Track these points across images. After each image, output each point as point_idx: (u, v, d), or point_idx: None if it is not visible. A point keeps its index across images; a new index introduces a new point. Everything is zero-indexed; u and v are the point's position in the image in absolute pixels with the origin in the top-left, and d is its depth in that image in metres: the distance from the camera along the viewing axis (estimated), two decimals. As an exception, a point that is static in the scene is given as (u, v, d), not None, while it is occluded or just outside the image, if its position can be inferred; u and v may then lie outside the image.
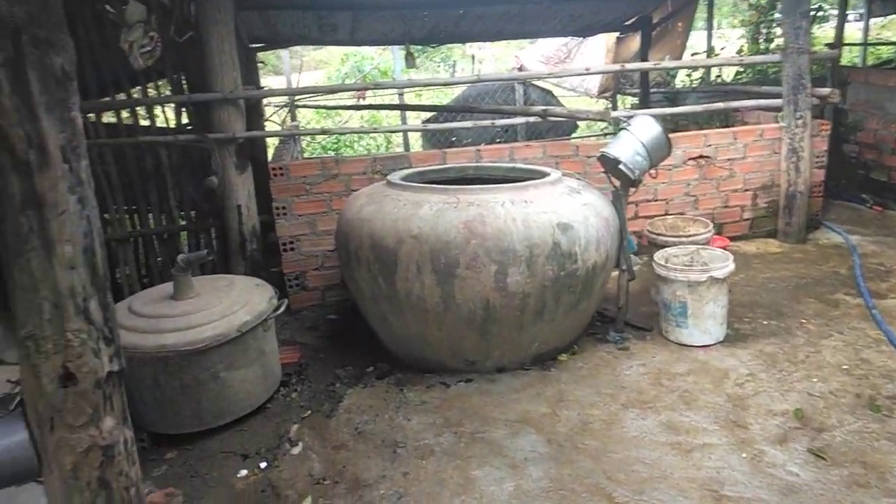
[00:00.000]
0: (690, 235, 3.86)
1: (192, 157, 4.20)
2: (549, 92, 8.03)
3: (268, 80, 9.84)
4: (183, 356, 2.69)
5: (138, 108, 4.18)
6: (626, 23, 6.94)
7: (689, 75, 8.19)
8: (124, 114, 4.17)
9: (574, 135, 8.41)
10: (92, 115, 4.09)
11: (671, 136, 3.47)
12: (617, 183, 3.49)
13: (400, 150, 8.50)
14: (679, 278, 3.35)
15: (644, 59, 6.68)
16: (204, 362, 2.75)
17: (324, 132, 5.43)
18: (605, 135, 9.03)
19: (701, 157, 4.80)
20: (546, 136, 8.14)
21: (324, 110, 8.54)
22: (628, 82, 7.96)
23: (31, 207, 1.32)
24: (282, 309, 3.11)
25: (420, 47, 7.52)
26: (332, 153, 8.78)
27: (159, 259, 4.31)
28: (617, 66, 4.46)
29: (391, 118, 9.84)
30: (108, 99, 4.08)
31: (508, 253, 2.91)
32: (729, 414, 2.84)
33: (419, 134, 8.20)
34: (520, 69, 7.73)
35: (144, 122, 4.33)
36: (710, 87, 7.09)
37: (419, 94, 10.42)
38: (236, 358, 2.85)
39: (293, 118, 7.20)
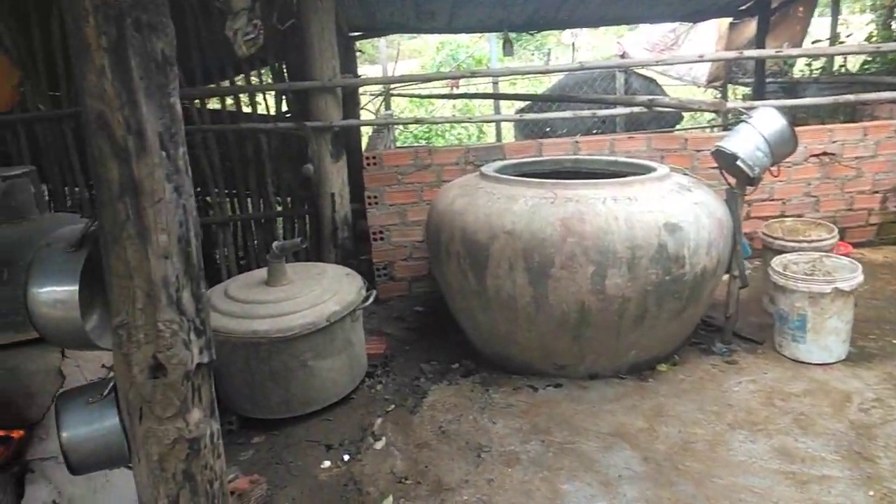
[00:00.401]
0: (812, 241, 3.49)
1: (291, 144, 4.26)
2: (652, 80, 7.62)
3: (364, 70, 9.95)
4: (273, 343, 2.71)
5: (241, 96, 4.27)
6: (742, 7, 6.43)
7: (808, 65, 7.53)
8: (228, 101, 4.29)
9: (678, 127, 7.94)
10: (197, 102, 4.23)
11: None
12: (732, 181, 3.20)
13: (492, 140, 8.37)
14: (799, 288, 3.03)
15: (761, 47, 6.17)
16: (293, 350, 2.75)
17: (417, 122, 5.39)
18: (713, 127, 8.48)
19: (825, 154, 4.35)
20: (647, 127, 7.75)
21: (417, 99, 8.52)
22: (741, 71, 7.41)
23: (128, 194, 1.30)
24: (370, 300, 3.07)
25: (515, 35, 7.33)
26: (423, 142, 8.77)
27: (256, 243, 4.41)
28: (733, 54, 4.10)
29: (483, 107, 9.71)
30: (212, 86, 4.20)
31: (608, 254, 2.72)
32: (852, 444, 2.53)
33: (512, 124, 8.02)
34: (622, 57, 7.37)
35: (247, 110, 4.44)
36: (832, 78, 6.46)
37: (513, 83, 10.20)
38: (324, 347, 2.84)
39: (387, 107, 7.21)
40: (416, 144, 8.01)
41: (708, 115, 9.32)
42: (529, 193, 2.95)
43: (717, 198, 3.13)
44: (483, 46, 9.66)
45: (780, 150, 3.08)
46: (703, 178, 4.20)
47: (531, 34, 6.54)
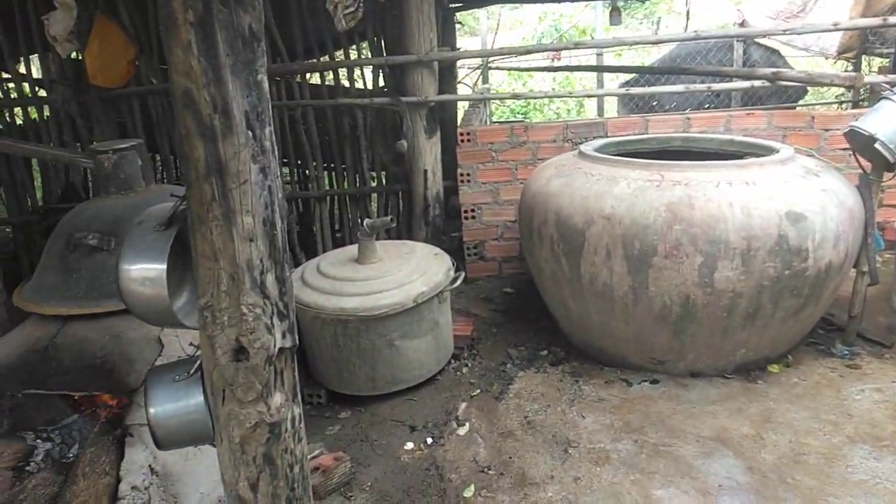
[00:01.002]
0: (962, 236, 3.06)
1: (386, 119, 4.23)
2: (775, 52, 6.96)
3: (463, 42, 9.78)
4: (361, 321, 2.70)
5: (339, 70, 4.28)
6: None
7: (966, 30, 6.58)
8: (328, 75, 4.31)
9: (801, 103, 7.25)
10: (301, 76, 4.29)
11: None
12: (867, 166, 2.84)
13: (593, 116, 8.00)
14: (944, 290, 2.66)
15: (907, 12, 5.45)
16: (380, 329, 2.74)
17: (514, 97, 5.20)
18: (842, 103, 7.67)
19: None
20: (767, 102, 7.12)
21: (516, 73, 8.29)
22: (878, 40, 6.61)
23: (214, 175, 1.27)
24: (458, 282, 3.00)
25: (624, 2, 6.89)
26: (520, 117, 8.53)
27: (350, 218, 4.45)
28: (875, 21, 3.61)
29: (585, 81, 9.28)
30: (312, 61, 4.23)
31: (719, 244, 2.49)
32: None
33: (615, 99, 7.62)
34: (741, 25, 6.77)
35: (346, 84, 4.45)
36: None
37: (619, 55, 9.68)
38: (411, 328, 2.80)
39: (485, 80, 7.05)
40: (512, 120, 7.81)
41: (837, 90, 8.44)
42: (633, 175, 2.75)
43: (848, 184, 2.79)
44: (588, 16, 9.21)
45: (932, 129, 2.69)
46: (832, 160, 3.79)
47: (641, 1, 6.12)
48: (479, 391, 2.91)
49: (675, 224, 2.53)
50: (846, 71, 7.84)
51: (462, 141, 4.04)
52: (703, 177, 2.63)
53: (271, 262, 1.39)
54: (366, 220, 2.96)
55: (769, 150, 3.09)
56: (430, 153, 4.07)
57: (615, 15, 5.83)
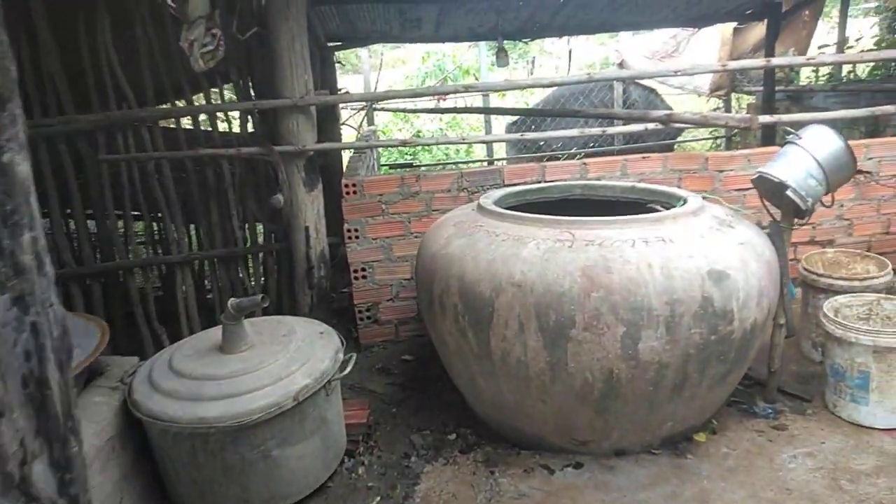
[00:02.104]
0: (864, 279, 3.01)
1: (258, 171, 3.72)
2: (652, 90, 7.16)
3: (346, 80, 9.44)
4: (226, 432, 2.16)
5: (201, 116, 3.73)
6: (749, 11, 6.01)
7: (815, 71, 7.12)
8: (187, 121, 3.75)
9: (678, 140, 7.50)
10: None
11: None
12: (776, 213, 2.72)
13: (483, 156, 7.85)
14: (862, 341, 2.54)
15: (770, 53, 5.73)
16: (252, 439, 2.21)
17: (403, 144, 4.87)
18: (716, 139, 8.04)
19: (859, 172, 3.87)
20: (648, 138, 7.29)
21: (402, 113, 8.02)
22: (745, 79, 6.99)
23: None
24: (349, 367, 2.53)
25: (511, 42, 6.85)
26: (409, 158, 8.23)
27: (220, 284, 3.86)
28: (760, 62, 3.62)
29: (472, 121, 9.17)
30: (165, 107, 3.65)
31: (642, 311, 2.21)
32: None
33: (503, 143, 7.52)
34: (620, 65, 6.92)
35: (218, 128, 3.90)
36: (843, 86, 6.02)
37: (503, 96, 9.72)
38: (292, 432, 2.29)
39: (370, 122, 6.69)
40: (400, 163, 7.45)
41: (706, 129, 8.91)
42: (541, 234, 2.44)
43: (760, 233, 2.64)
44: (471, 56, 9.17)
45: (837, 176, 2.60)
46: (729, 202, 3.72)
47: (525, 42, 6.07)
48: (378, 498, 2.43)
49: (592, 291, 2.22)
50: (717, 109, 8.28)
51: (347, 193, 3.61)
52: (617, 235, 2.37)
53: (42, 443, 0.88)
54: (230, 301, 2.43)
55: (673, 198, 2.93)
56: (311, 208, 3.59)
57: (502, 56, 5.70)
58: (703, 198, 2.81)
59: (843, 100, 6.05)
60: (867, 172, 3.91)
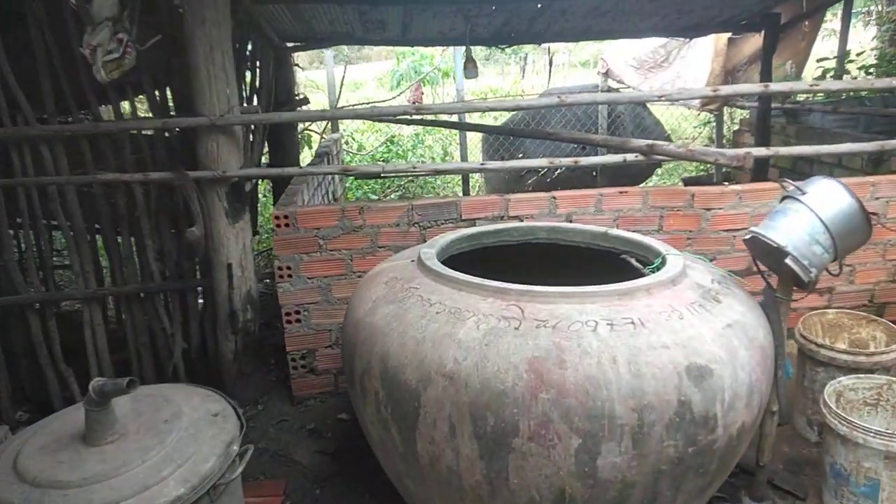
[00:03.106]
0: (871, 353, 2.56)
1: (178, 195, 3.22)
2: (639, 101, 6.69)
3: (315, 74, 8.89)
4: (64, 568, 1.68)
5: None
6: (744, 22, 5.55)
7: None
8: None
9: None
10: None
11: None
12: (772, 280, 2.27)
13: (457, 161, 7.32)
14: (871, 444, 2.10)
15: (767, 68, 5.28)
16: (100, 575, 1.73)
17: (344, 173, 4.28)
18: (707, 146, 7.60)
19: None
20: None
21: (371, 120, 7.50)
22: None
23: None
24: (245, 460, 2.05)
25: (489, 49, 6.35)
26: (382, 163, 7.70)
27: (136, 325, 3.36)
28: (756, 88, 3.15)
29: (448, 133, 8.63)
30: (64, 123, 3.13)
31: (601, 419, 1.74)
32: None
33: (479, 146, 7.04)
34: (605, 74, 6.46)
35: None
36: (844, 106, 5.56)
37: (483, 97, 9.23)
38: (158, 559, 1.81)
39: (335, 129, 6.17)
40: (358, 201, 6.83)
41: (700, 141, 8.46)
42: (483, 307, 1.97)
43: (753, 306, 2.18)
44: (451, 57, 8.66)
45: (847, 241, 2.15)
46: (713, 244, 3.27)
47: (501, 49, 5.62)
48: None
49: (541, 391, 1.76)
50: (708, 123, 7.85)
51: (279, 226, 3.12)
52: (576, 313, 1.90)
53: None
54: (92, 384, 1.94)
55: (649, 252, 2.48)
56: (235, 242, 3.11)
57: (470, 67, 5.21)
58: (693, 258, 2.35)
59: (841, 119, 5.63)
60: (873, 214, 3.46)
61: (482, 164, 3.27)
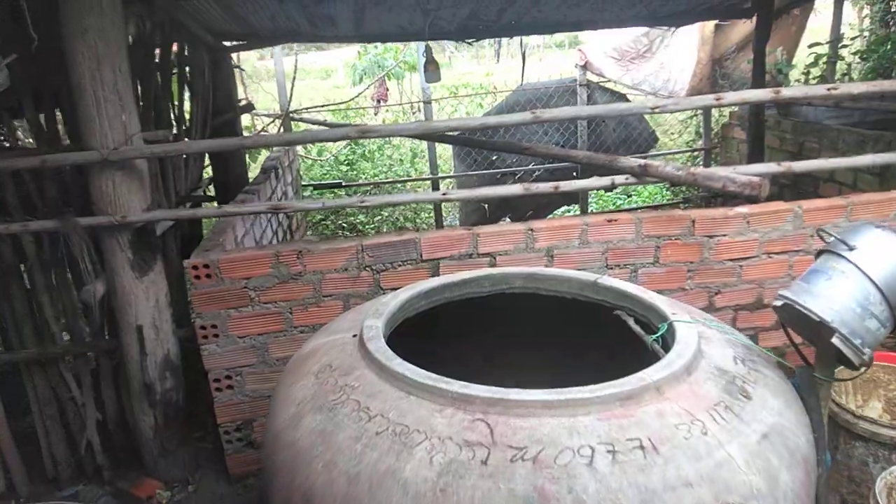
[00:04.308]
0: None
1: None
2: (622, 96, 6.20)
3: (257, 64, 8.21)
4: None
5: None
6: (735, 6, 5.06)
7: (805, 73, 6.23)
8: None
9: (653, 152, 6.56)
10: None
11: None
12: (809, 353, 1.79)
13: (426, 166, 6.73)
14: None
15: (761, 55, 4.80)
16: None
17: (275, 210, 3.60)
18: (693, 151, 7.09)
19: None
20: (616, 151, 6.34)
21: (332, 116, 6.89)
22: (728, 83, 6.07)
23: None
24: None
25: (456, 43, 5.77)
26: (345, 170, 7.10)
27: (40, 395, 2.80)
28: (766, 94, 2.65)
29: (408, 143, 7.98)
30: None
31: None
32: None
33: (451, 150, 6.49)
34: (584, 66, 5.94)
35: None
36: (845, 99, 5.11)
37: (453, 91, 8.64)
38: None
39: (286, 128, 5.53)
40: (328, 182, 6.23)
41: (685, 136, 8.00)
42: (440, 425, 1.46)
43: (787, 393, 1.69)
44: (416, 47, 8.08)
45: (909, 310, 1.66)
46: (717, 276, 2.80)
47: (469, 43, 5.06)
48: None
49: (519, 564, 1.26)
50: (695, 115, 7.38)
51: (198, 277, 2.57)
52: (564, 434, 1.40)
53: None
54: None
55: (650, 310, 2.01)
56: (145, 300, 2.55)
57: (431, 70, 4.64)
58: (702, 320, 1.86)
59: (838, 112, 5.19)
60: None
61: (444, 195, 2.74)
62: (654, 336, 1.93)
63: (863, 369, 1.67)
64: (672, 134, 7.47)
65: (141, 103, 2.85)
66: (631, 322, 2.10)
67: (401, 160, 7.58)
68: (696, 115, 6.98)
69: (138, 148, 2.38)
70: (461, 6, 4.14)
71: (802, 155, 5.03)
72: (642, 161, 2.66)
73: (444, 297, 2.29)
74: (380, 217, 6.92)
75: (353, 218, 6.75)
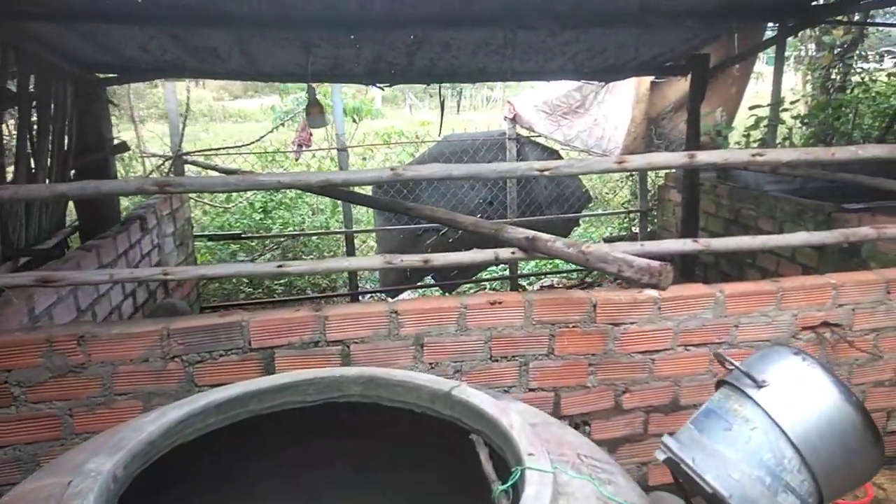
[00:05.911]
0: None
1: None
2: (554, 152, 5.83)
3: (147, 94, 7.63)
4: None
5: None
6: (668, 63, 4.77)
7: (746, 135, 5.99)
8: None
9: (586, 212, 6.17)
10: None
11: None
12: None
13: (340, 218, 6.14)
14: None
15: (695, 114, 4.49)
16: None
17: (113, 281, 2.95)
18: (629, 213, 6.73)
19: (824, 325, 2.55)
20: (548, 210, 5.94)
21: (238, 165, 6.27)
22: (663, 143, 5.77)
23: None
24: None
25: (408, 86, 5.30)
26: (258, 218, 6.45)
27: None
28: (746, 155, 2.23)
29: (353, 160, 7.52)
30: None
31: None
32: None
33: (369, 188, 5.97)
34: (513, 119, 5.58)
35: None
36: (784, 166, 4.81)
37: (388, 136, 8.16)
38: None
39: (179, 171, 4.90)
40: (224, 233, 5.44)
41: (622, 196, 7.70)
42: None
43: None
44: (351, 86, 7.61)
45: (840, 475, 1.16)
46: (624, 371, 2.31)
47: (381, 88, 4.64)
48: None
49: None
50: (631, 176, 7.08)
51: (-60, 368, 1.93)
52: None
53: None
54: None
55: (505, 439, 1.50)
56: None
57: (314, 113, 4.13)
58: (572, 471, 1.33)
59: (778, 179, 4.90)
60: (835, 326, 2.58)
61: (424, 261, 2.16)
62: (502, 487, 1.39)
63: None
64: (606, 195, 7.13)
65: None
66: (484, 457, 1.55)
67: (321, 209, 7.03)
68: (631, 176, 6.68)
69: None
70: (363, 47, 3.69)
71: (738, 223, 4.69)
72: (530, 234, 2.17)
73: (248, 411, 1.71)
74: (297, 254, 6.31)
75: (268, 256, 6.13)
